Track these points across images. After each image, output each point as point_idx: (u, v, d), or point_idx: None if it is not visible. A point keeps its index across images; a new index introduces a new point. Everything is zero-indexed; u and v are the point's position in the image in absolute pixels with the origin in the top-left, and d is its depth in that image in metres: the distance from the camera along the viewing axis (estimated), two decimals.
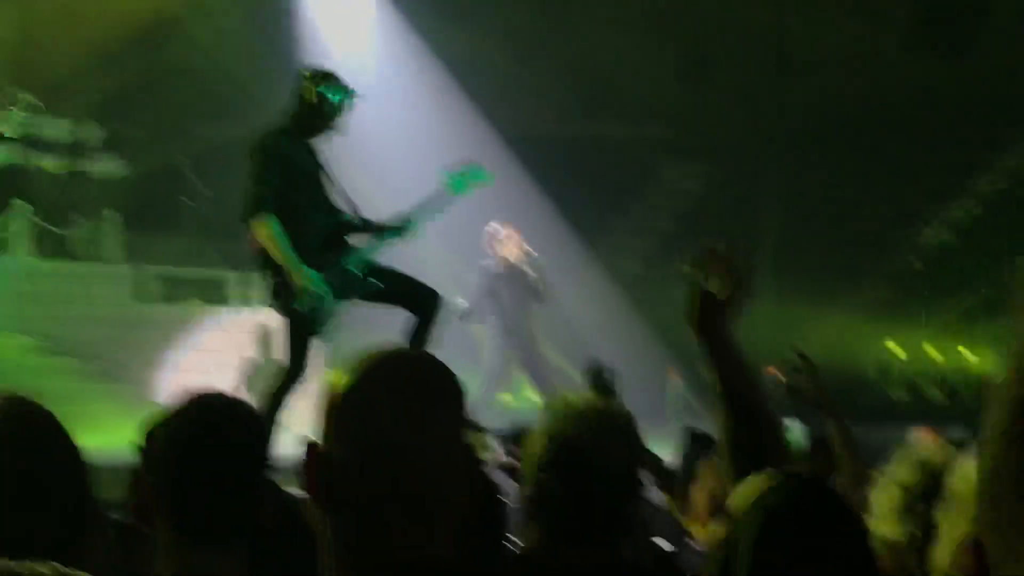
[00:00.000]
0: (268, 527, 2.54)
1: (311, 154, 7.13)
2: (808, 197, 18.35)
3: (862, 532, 2.06)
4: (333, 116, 7.11)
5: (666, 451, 5.55)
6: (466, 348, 11.12)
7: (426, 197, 7.25)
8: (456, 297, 10.55)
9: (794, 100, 19.37)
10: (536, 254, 10.75)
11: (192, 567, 2.41)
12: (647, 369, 13.87)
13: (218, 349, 12.42)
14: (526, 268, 10.73)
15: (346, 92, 7.16)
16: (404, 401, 1.72)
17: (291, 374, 6.92)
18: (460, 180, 7.28)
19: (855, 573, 1.97)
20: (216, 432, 2.49)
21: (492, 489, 2.89)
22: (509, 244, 10.76)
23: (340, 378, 1.77)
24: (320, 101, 7.06)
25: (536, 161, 16.87)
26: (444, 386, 1.78)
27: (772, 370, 13.83)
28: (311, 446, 1.73)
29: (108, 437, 5.57)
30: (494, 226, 10.92)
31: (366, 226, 7.22)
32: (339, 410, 1.73)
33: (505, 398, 11.41)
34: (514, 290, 10.70)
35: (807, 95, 19.64)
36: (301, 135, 7.11)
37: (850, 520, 2.04)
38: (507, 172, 16.50)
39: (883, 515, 2.48)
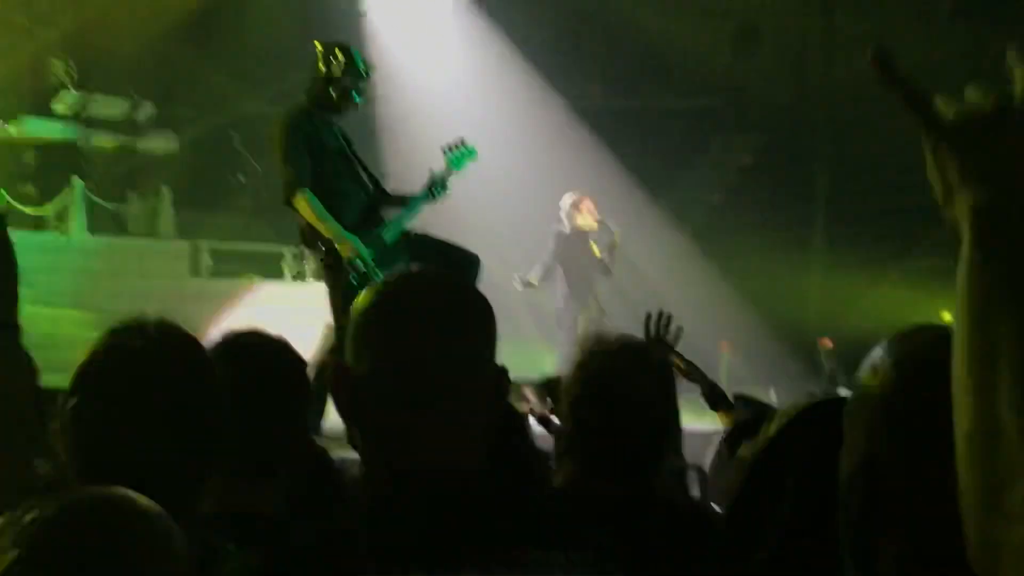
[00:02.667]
0: (303, 466, 2.58)
1: (333, 131, 7.13)
2: (858, 168, 18.22)
3: None
4: (350, 95, 7.11)
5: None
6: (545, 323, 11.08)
7: (437, 172, 7.38)
8: (514, 278, 10.57)
9: (843, 72, 19.24)
10: (612, 226, 10.66)
11: (235, 502, 2.46)
12: (699, 342, 13.85)
13: (274, 321, 12.50)
14: (593, 241, 10.68)
15: (363, 71, 7.15)
16: (422, 318, 1.73)
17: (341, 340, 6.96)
18: (458, 158, 7.45)
19: None
20: (254, 371, 2.53)
21: (518, 421, 2.91)
22: (585, 213, 10.72)
23: (364, 299, 1.79)
24: (335, 80, 7.06)
25: (596, 133, 16.93)
26: (466, 306, 1.79)
27: (826, 341, 13.62)
28: (337, 366, 1.76)
29: None
30: (571, 194, 10.87)
31: (392, 199, 7.27)
32: (361, 329, 1.76)
33: None
34: (584, 258, 10.65)
35: (856, 66, 19.49)
36: (322, 112, 7.11)
37: None
38: (569, 142, 16.61)
39: None
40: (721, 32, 20.94)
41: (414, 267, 1.85)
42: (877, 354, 1.57)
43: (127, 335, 2.15)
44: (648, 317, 4.21)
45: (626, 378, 2.59)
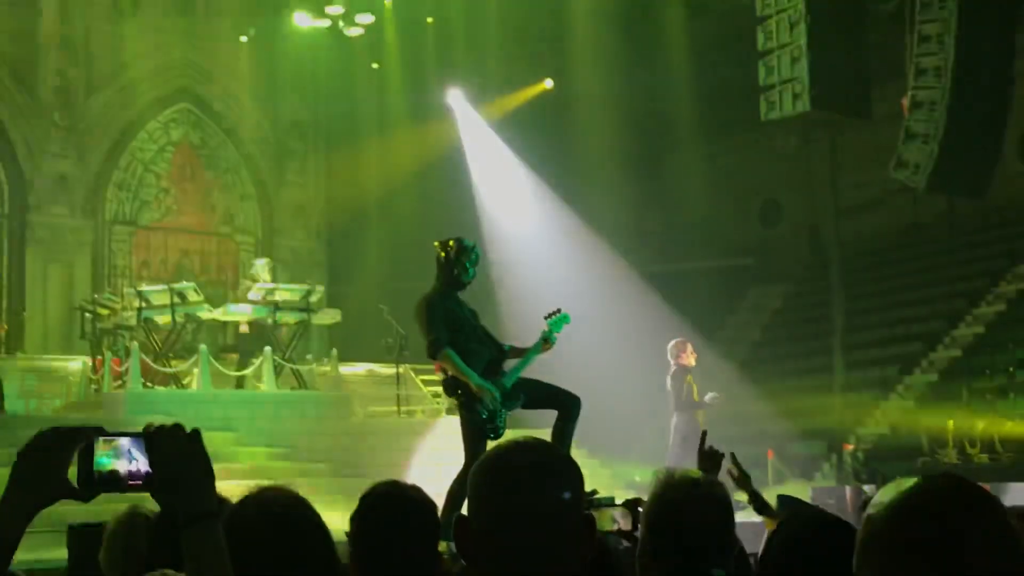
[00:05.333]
0: None
1: (460, 303, 7.16)
2: (866, 307, 17.95)
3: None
4: (467, 270, 7.15)
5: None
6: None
7: (540, 335, 7.16)
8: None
9: (848, 232, 19.11)
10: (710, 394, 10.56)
11: None
12: (749, 449, 13.53)
13: (420, 450, 12.51)
14: (691, 375, 10.57)
15: (471, 251, 7.19)
16: (521, 484, 1.69)
17: (469, 466, 6.88)
18: (557, 322, 7.25)
19: None
20: (392, 515, 2.49)
21: (606, 549, 2.85)
22: (689, 354, 10.67)
23: (478, 465, 1.78)
24: (454, 263, 7.11)
25: (658, 290, 16.96)
26: (557, 472, 1.71)
27: (848, 445, 13.06)
28: (459, 518, 1.75)
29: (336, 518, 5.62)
30: (674, 340, 10.82)
31: (508, 353, 7.21)
32: (475, 491, 1.74)
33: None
34: (686, 389, 10.53)
35: (859, 228, 19.36)
36: (450, 289, 7.15)
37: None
38: (637, 299, 16.62)
39: None
40: (750, 208, 20.99)
41: (516, 439, 1.81)
42: (887, 492, 1.53)
43: (257, 496, 2.14)
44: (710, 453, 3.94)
45: (689, 505, 2.54)
